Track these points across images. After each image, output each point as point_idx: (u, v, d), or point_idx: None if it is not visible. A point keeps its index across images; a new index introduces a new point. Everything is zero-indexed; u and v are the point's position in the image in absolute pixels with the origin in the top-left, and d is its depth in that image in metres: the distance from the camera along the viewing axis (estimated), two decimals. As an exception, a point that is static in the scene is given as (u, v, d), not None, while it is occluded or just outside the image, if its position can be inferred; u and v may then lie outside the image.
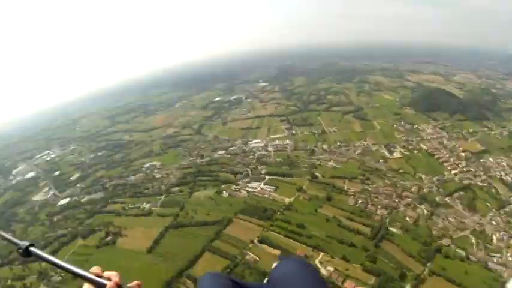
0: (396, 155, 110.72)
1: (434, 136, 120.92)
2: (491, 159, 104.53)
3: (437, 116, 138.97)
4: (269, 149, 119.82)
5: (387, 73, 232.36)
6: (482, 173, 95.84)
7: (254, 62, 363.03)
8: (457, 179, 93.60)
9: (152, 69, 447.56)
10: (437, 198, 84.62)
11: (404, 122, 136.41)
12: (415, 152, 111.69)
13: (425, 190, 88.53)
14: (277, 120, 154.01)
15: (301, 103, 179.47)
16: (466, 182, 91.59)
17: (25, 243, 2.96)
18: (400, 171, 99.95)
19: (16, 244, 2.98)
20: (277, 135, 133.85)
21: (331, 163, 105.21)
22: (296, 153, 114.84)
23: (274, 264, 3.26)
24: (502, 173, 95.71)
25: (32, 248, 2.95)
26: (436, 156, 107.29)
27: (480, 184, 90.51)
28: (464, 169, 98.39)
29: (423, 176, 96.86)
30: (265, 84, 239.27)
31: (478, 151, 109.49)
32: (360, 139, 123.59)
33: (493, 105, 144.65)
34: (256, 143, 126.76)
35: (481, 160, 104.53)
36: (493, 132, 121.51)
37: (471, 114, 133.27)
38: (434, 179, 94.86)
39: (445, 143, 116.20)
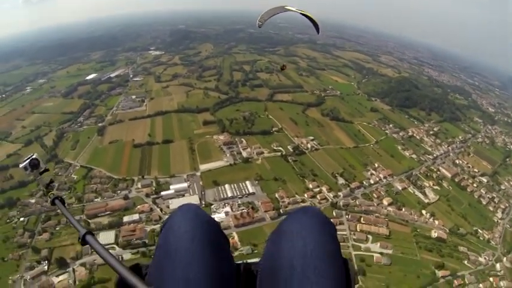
0: (431, 195, 71.77)
1: (441, 151, 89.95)
2: (506, 184, 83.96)
3: (414, 113, 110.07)
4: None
5: (311, 46, 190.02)
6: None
7: (138, 26, 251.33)
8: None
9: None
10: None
11: (390, 124, 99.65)
12: (445, 185, 76.56)
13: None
14: (196, 122, 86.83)
15: (223, 84, 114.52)
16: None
17: (84, 230, 2.68)
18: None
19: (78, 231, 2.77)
20: (210, 165, 68.45)
21: None
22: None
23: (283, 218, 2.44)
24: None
25: (88, 236, 2.63)
26: (469, 190, 76.57)
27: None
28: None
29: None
30: (159, 53, 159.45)
31: (491, 173, 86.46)
32: (366, 167, 76.98)
33: (450, 101, 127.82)
34: (170, 196, 58.17)
35: (503, 187, 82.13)
36: (479, 140, 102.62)
37: (446, 115, 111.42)
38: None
39: (457, 162, 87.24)
